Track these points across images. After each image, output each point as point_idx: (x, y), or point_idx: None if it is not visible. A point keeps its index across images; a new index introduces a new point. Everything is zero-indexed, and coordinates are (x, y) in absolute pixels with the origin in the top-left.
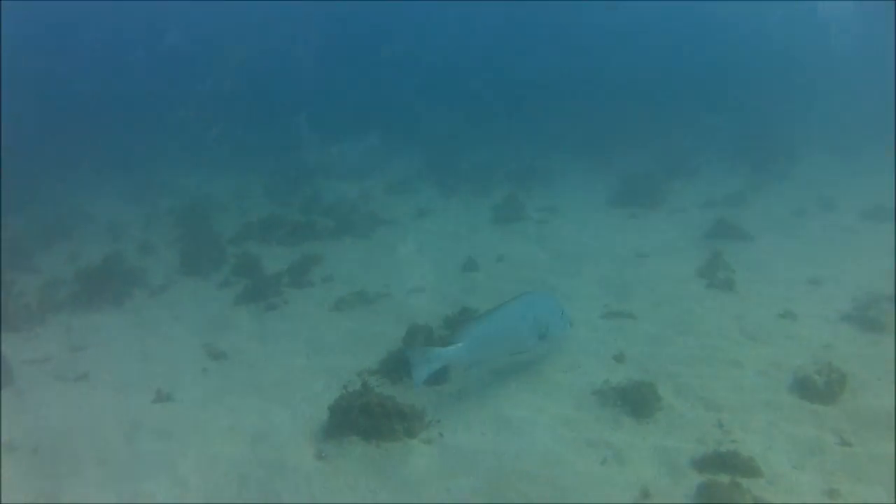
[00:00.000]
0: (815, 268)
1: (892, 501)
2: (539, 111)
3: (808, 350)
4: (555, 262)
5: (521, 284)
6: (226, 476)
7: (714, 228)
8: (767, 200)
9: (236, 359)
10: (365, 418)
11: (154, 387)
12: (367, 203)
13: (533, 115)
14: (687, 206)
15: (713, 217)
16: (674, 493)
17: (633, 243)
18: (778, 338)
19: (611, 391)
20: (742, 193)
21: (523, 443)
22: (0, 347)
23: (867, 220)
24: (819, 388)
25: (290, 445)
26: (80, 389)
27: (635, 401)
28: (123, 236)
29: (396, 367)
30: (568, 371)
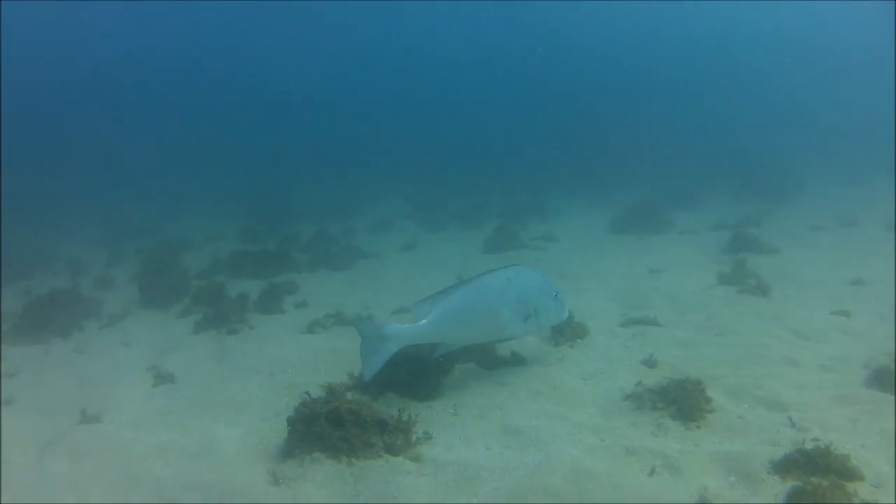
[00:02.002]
0: (853, 271)
1: None
2: (530, 153)
3: (872, 344)
4: (560, 282)
5: None
6: (148, 500)
7: (733, 243)
8: (782, 221)
9: (186, 380)
10: (333, 429)
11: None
12: (350, 239)
13: (524, 157)
14: (697, 229)
15: (728, 236)
16: (754, 501)
17: (643, 262)
18: (834, 334)
19: (647, 394)
20: (753, 217)
21: (541, 456)
22: None
23: (891, 231)
24: None
25: (236, 466)
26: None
27: (680, 402)
28: (83, 273)
29: (377, 381)
30: (589, 378)
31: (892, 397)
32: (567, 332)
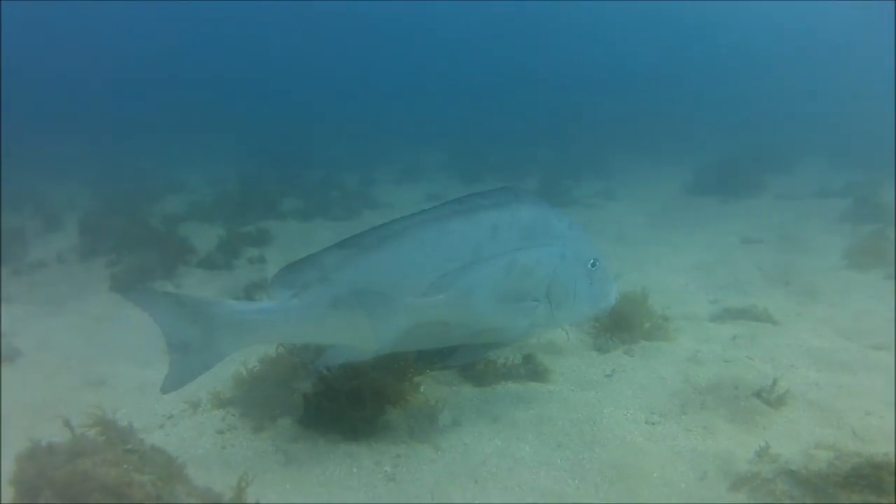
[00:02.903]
0: None
1: None
2: (591, 111)
3: None
4: (616, 248)
5: None
6: None
7: (855, 212)
8: None
9: (30, 360)
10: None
11: None
12: (367, 188)
13: (584, 114)
14: (798, 194)
15: (842, 204)
16: None
17: (732, 229)
18: None
19: (786, 478)
20: (864, 184)
21: None
22: None
23: None
24: None
25: None
26: None
27: None
28: (54, 214)
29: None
30: (659, 420)
31: None
32: (622, 324)
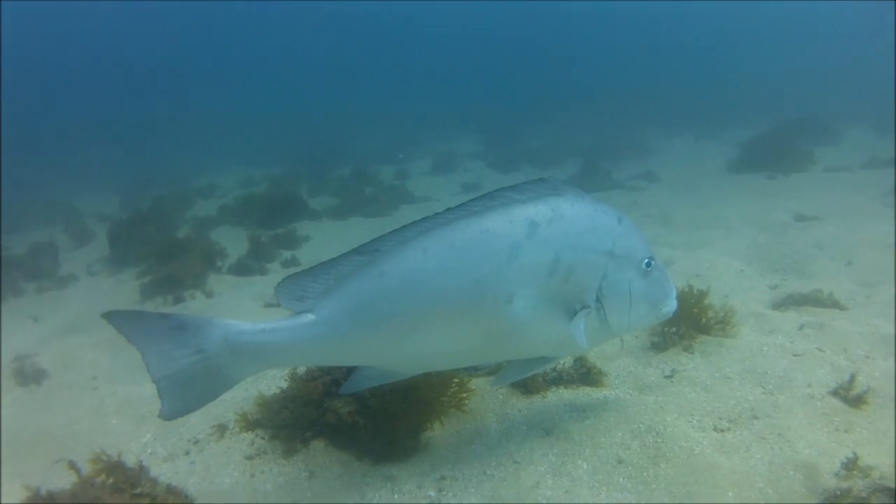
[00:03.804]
0: None
1: None
2: (625, 90)
3: None
4: (663, 232)
5: None
6: None
7: None
8: None
9: (56, 382)
10: None
11: None
12: (402, 181)
13: (617, 94)
14: (847, 166)
15: (890, 174)
16: None
17: (784, 206)
18: None
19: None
20: None
21: None
22: None
23: None
24: None
25: None
26: None
27: None
28: (81, 224)
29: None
30: (728, 427)
31: None
32: (679, 318)
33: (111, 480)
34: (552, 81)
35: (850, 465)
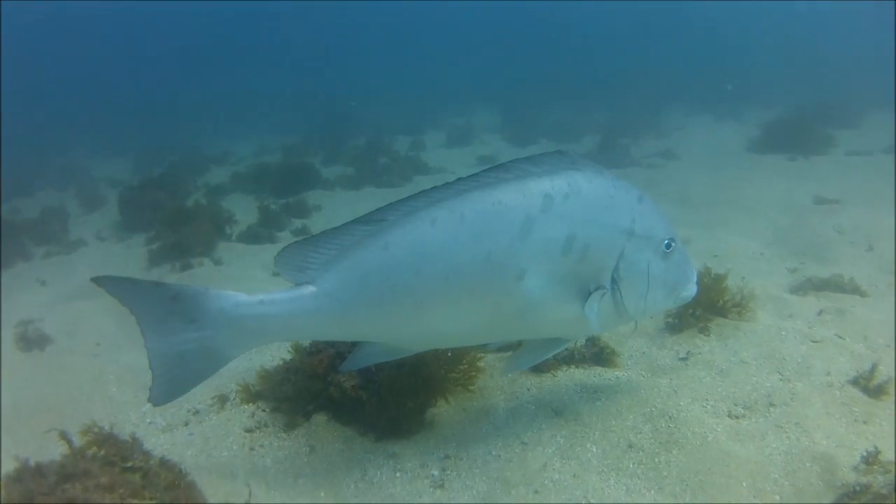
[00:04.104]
0: None
1: None
2: (643, 68)
3: None
4: (681, 211)
5: None
6: None
7: None
8: None
9: (59, 347)
10: None
11: None
12: (418, 152)
13: (636, 71)
14: (868, 150)
15: None
16: None
17: (804, 188)
18: None
19: None
20: None
21: None
22: None
23: None
24: None
25: None
26: None
27: None
28: (93, 188)
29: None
30: (744, 414)
31: None
32: (694, 301)
33: (102, 453)
34: (573, 57)
35: (871, 459)
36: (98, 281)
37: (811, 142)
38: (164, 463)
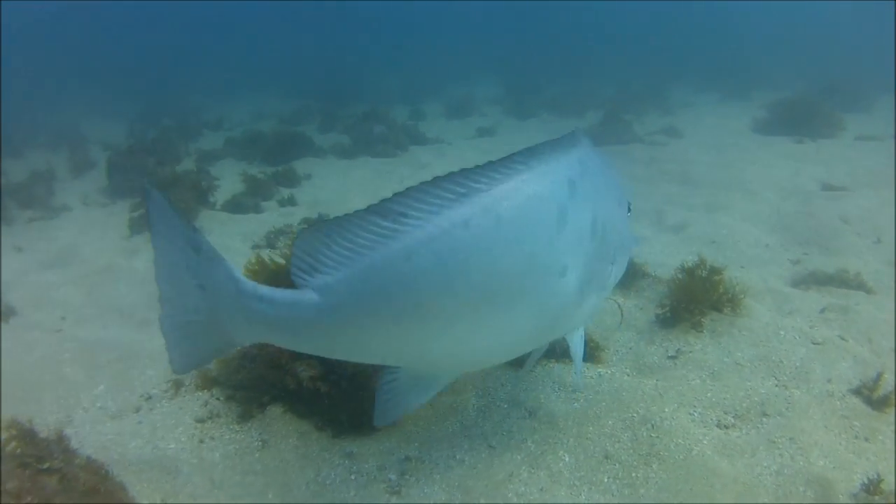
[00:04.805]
0: None
1: None
2: (649, 44)
3: None
4: (681, 191)
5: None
6: None
7: None
8: None
9: (22, 321)
10: None
11: None
12: (416, 121)
13: (642, 47)
14: (879, 134)
15: None
16: None
17: (810, 172)
18: None
19: None
20: None
21: None
22: None
23: None
24: None
25: None
26: None
27: None
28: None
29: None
30: (734, 423)
31: None
32: (687, 294)
33: (18, 451)
34: (578, 30)
35: (872, 487)
36: (147, 193)
37: (820, 124)
38: (88, 463)
